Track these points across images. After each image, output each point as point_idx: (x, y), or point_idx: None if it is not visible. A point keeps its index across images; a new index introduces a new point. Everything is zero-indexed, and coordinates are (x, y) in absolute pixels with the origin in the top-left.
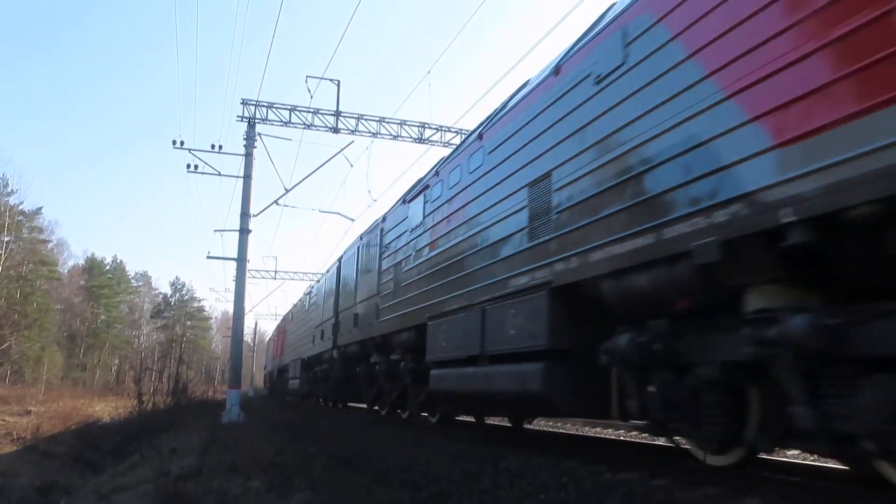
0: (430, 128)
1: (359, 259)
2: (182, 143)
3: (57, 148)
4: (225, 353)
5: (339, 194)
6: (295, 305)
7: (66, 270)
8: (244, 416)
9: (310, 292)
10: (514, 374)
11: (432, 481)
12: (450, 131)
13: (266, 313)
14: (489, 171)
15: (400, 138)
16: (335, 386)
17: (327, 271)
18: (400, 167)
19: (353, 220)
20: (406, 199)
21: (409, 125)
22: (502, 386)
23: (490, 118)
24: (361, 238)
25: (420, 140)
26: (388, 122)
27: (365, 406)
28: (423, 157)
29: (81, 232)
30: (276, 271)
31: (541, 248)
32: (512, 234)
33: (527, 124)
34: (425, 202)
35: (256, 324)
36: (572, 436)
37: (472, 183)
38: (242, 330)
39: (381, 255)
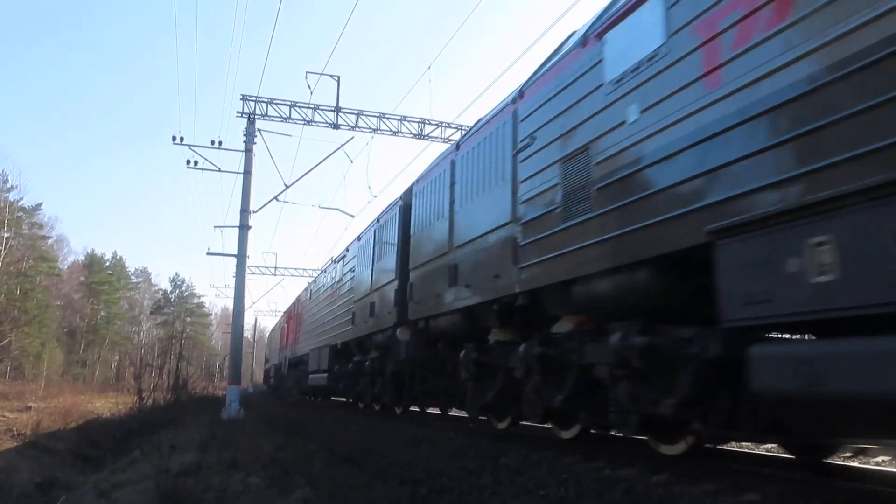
0: (430, 124)
1: (454, 181)
2: (182, 139)
3: (57, 144)
4: (225, 350)
5: (339, 190)
6: (316, 280)
7: (65, 266)
8: (244, 413)
9: (343, 256)
10: None
11: (432, 477)
12: (450, 127)
13: (266, 310)
14: None
15: (400, 134)
16: (397, 380)
17: (377, 220)
18: (400, 163)
19: (353, 216)
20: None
21: (409, 121)
22: None
23: None
24: (458, 147)
25: (420, 136)
26: (388, 118)
27: (439, 411)
28: (424, 153)
29: (81, 228)
30: (275, 268)
31: None
32: None
33: None
34: None
35: (256, 320)
36: None
37: None
38: (242, 326)
39: (516, 155)
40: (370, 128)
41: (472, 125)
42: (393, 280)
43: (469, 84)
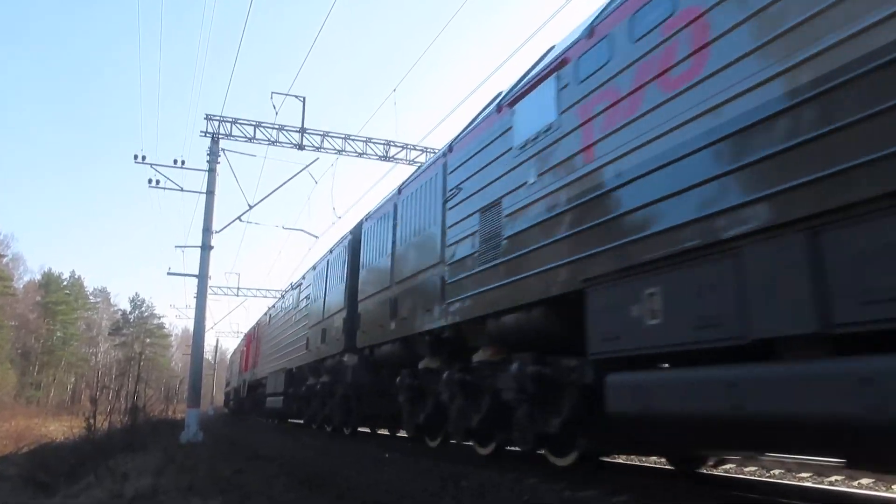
0: (395, 146)
1: (395, 222)
2: (144, 157)
3: (13, 160)
4: (185, 372)
5: (303, 211)
6: (274, 305)
7: (21, 286)
8: (203, 436)
9: (300, 283)
10: None
11: (394, 500)
12: (415, 149)
13: (228, 331)
14: None
15: (365, 156)
16: (345, 403)
17: (330, 251)
18: (365, 185)
19: (317, 237)
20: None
21: (374, 143)
22: None
23: None
24: (399, 191)
25: (385, 158)
26: (353, 140)
27: None
28: (389, 175)
29: (38, 246)
30: (238, 288)
31: None
32: None
33: None
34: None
35: (218, 342)
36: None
37: None
38: (203, 348)
39: (445, 203)
40: (335, 149)
41: (413, 171)
42: (342, 309)
43: (434, 107)
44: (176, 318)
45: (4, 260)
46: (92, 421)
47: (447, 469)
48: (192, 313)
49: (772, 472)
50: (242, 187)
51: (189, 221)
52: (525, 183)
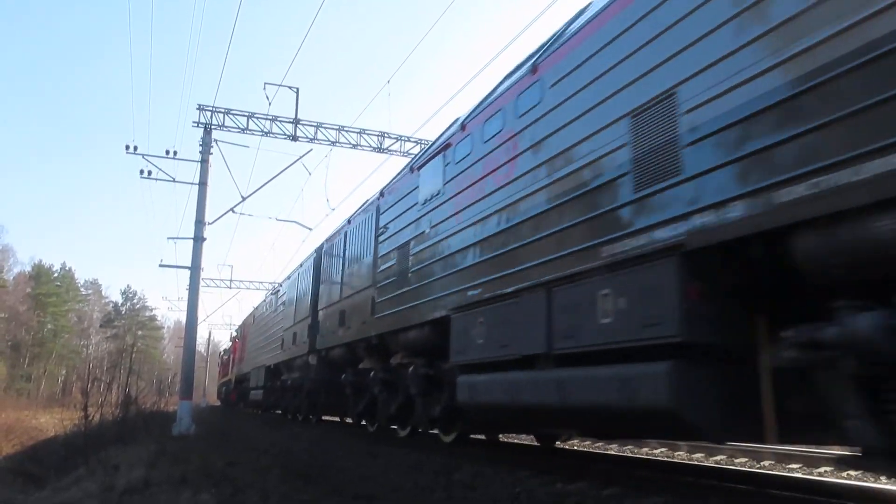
0: (389, 137)
1: (345, 248)
2: (135, 148)
3: (2, 150)
4: (177, 364)
5: (296, 203)
6: (259, 306)
7: (11, 278)
8: (195, 428)
9: (277, 290)
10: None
11: (387, 493)
12: (409, 141)
13: (220, 323)
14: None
15: (359, 147)
16: (311, 396)
17: (300, 265)
18: (359, 176)
19: (310, 228)
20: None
21: (368, 134)
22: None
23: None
24: (349, 222)
25: (379, 149)
26: (347, 131)
27: None
28: (383, 166)
29: (28, 238)
30: (231, 280)
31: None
32: None
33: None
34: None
35: (210, 334)
36: (525, 445)
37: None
38: (195, 340)
39: (377, 238)
40: (329, 140)
41: (358, 206)
42: (307, 317)
43: (428, 98)
44: (168, 310)
45: None
46: (89, 411)
47: (439, 462)
48: (184, 305)
49: (762, 462)
50: (235, 178)
51: (181, 213)
52: (423, 232)
